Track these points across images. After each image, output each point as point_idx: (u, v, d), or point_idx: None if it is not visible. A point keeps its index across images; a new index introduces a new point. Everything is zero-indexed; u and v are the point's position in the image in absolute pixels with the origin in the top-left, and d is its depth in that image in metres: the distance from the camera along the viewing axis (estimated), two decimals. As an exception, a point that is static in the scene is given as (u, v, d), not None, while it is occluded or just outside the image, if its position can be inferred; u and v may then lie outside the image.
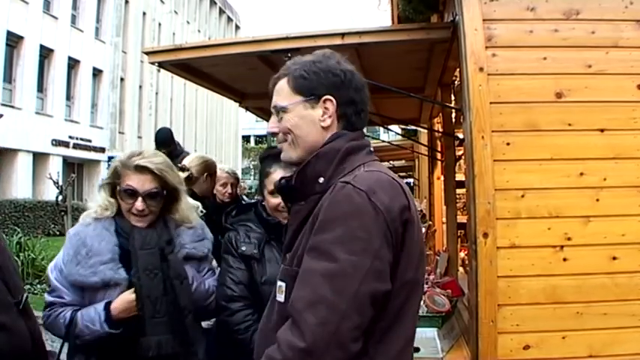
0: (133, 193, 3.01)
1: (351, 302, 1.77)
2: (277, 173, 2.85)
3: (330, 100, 2.04)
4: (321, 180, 1.99)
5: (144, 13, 39.51)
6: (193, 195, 4.25)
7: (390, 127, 11.58)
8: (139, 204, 3.00)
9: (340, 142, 2.03)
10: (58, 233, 20.44)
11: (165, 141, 6.85)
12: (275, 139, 2.18)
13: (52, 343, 3.26)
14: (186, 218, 3.21)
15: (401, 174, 24.08)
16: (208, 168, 4.93)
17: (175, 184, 3.14)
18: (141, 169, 3.00)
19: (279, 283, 2.01)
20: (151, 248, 3.01)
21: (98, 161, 33.06)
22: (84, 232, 3.02)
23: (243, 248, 3.15)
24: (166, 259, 3.02)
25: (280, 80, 2.11)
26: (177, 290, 2.99)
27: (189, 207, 3.32)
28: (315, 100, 2.05)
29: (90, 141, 32.75)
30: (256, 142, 71.25)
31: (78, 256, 2.94)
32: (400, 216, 1.89)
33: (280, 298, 1.97)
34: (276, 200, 2.98)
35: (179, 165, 4.74)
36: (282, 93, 2.09)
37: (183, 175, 4.45)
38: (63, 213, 11.15)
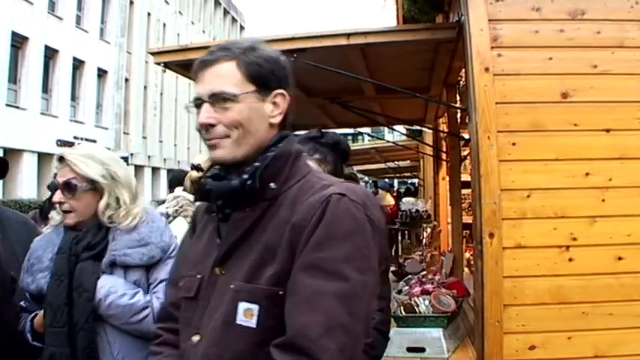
0: (54, 187, 2.82)
1: (363, 324, 1.67)
2: None
3: (282, 94, 1.85)
4: (273, 185, 1.78)
5: (148, 14, 39.56)
6: None
7: (395, 127, 11.61)
8: (56, 196, 2.78)
9: (290, 144, 1.86)
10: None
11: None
12: (206, 134, 1.84)
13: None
14: (120, 218, 2.78)
15: (406, 174, 24.19)
16: None
17: (95, 176, 2.76)
18: (61, 160, 2.79)
19: (245, 305, 1.70)
20: (63, 252, 2.76)
21: (103, 162, 33.01)
22: (37, 241, 2.89)
23: None
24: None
25: (222, 63, 1.80)
26: (74, 301, 2.67)
27: (129, 206, 2.83)
28: (267, 92, 1.82)
29: (95, 141, 32.68)
30: (261, 143, 71.26)
31: (27, 264, 2.82)
32: (383, 230, 1.85)
33: (250, 322, 1.69)
34: None
35: (192, 163, 4.73)
36: (229, 79, 1.79)
37: (196, 174, 4.43)
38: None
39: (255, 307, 1.68)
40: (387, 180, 23.47)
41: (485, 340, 3.44)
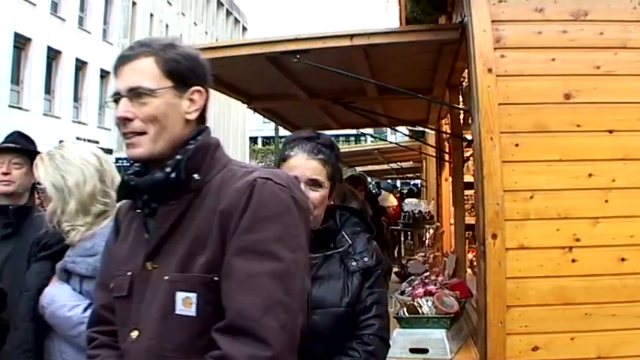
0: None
1: (299, 301, 1.70)
2: (298, 158, 2.44)
3: (200, 91, 1.86)
4: (197, 176, 1.79)
5: (151, 15, 39.61)
6: None
7: (398, 128, 11.60)
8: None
9: (208, 136, 1.87)
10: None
11: None
12: (123, 128, 1.81)
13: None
14: (63, 228, 2.67)
15: (408, 175, 24.18)
16: None
17: (46, 183, 2.68)
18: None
19: (183, 294, 1.70)
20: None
21: (106, 162, 33.09)
22: None
23: None
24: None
25: (141, 58, 1.80)
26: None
27: (74, 217, 2.67)
28: (184, 89, 1.83)
29: (97, 142, 32.71)
30: (263, 144, 71.34)
31: None
32: (310, 210, 1.97)
33: (189, 312, 1.69)
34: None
35: None
36: (147, 74, 1.78)
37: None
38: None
39: (193, 295, 1.69)
40: (389, 181, 23.44)
41: (488, 341, 3.44)
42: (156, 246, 1.80)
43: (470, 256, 6.17)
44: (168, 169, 1.76)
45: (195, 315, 1.68)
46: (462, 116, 6.35)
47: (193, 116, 1.85)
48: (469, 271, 5.91)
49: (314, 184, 2.40)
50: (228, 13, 56.60)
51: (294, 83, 5.88)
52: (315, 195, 2.40)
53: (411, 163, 18.92)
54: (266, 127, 60.02)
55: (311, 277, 2.02)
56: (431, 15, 5.10)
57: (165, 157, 1.79)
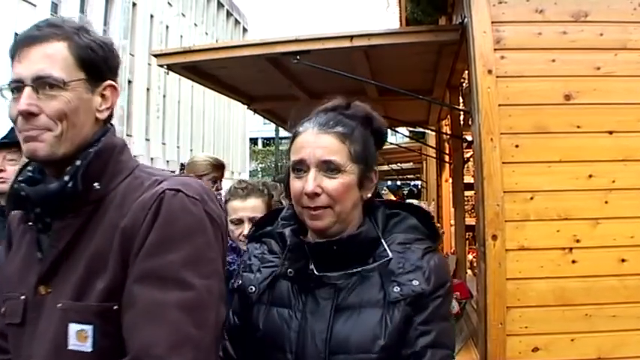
0: None
1: (212, 334, 1.48)
2: (307, 134, 1.79)
3: (113, 87, 1.63)
4: (98, 185, 1.53)
5: (151, 16, 39.59)
6: None
7: (398, 129, 11.58)
8: None
9: (112, 137, 1.61)
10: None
11: None
12: (24, 124, 1.51)
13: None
14: None
15: (409, 176, 24.17)
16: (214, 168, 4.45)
17: None
18: None
19: (77, 326, 1.45)
20: None
21: (106, 163, 33.15)
22: None
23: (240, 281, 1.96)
24: None
25: (52, 42, 1.52)
26: None
27: None
28: (97, 83, 1.59)
29: (98, 143, 32.81)
30: (264, 145, 71.29)
31: None
32: (226, 226, 1.67)
33: (84, 346, 1.44)
34: (302, 184, 1.76)
35: (182, 162, 4.60)
36: (59, 61, 1.51)
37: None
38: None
39: (88, 328, 1.45)
40: (389, 182, 23.44)
41: (489, 342, 3.44)
42: (50, 267, 1.53)
43: (470, 257, 6.18)
44: (66, 178, 1.49)
45: (92, 350, 1.44)
46: (462, 117, 6.36)
47: (104, 115, 1.61)
48: (469, 272, 5.92)
49: (328, 168, 1.73)
50: (229, 15, 56.60)
51: (295, 84, 5.89)
52: (331, 184, 1.72)
53: (412, 164, 18.92)
54: (266, 129, 60.03)
55: (334, 308, 1.71)
56: (431, 16, 5.12)
57: (66, 160, 1.52)
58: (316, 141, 1.76)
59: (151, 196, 1.49)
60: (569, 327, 3.43)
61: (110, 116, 1.64)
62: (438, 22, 5.52)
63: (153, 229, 1.44)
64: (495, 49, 3.58)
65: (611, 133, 3.52)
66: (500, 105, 3.52)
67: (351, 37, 4.40)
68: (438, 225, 8.94)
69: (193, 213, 1.49)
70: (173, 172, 1.95)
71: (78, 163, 1.51)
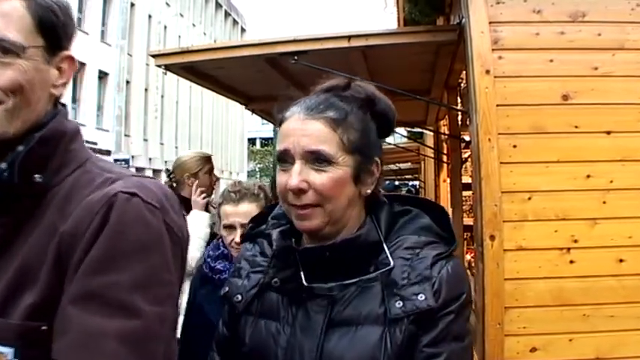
0: None
1: None
2: (293, 120, 1.55)
3: (71, 59, 1.43)
4: (39, 178, 1.26)
5: (149, 16, 39.59)
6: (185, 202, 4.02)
7: (396, 129, 11.59)
8: None
9: (61, 121, 1.34)
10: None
11: None
12: None
13: None
14: None
15: (407, 177, 24.18)
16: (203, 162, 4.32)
17: None
18: None
19: None
20: None
21: (104, 164, 33.17)
22: None
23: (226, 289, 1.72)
24: None
25: None
26: None
27: None
28: (55, 52, 1.36)
29: (95, 144, 32.80)
30: (262, 145, 71.26)
31: None
32: (187, 241, 1.36)
33: None
34: (287, 178, 1.51)
35: (167, 168, 4.54)
36: (15, 21, 1.24)
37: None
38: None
39: (8, 351, 1.16)
40: (387, 182, 23.42)
41: (487, 343, 3.44)
42: None
43: (468, 257, 6.18)
44: (2, 165, 1.22)
45: None
46: (460, 117, 6.37)
47: (60, 91, 1.37)
48: (467, 272, 5.91)
49: (316, 159, 1.48)
50: (227, 15, 56.62)
51: (293, 84, 5.87)
52: (319, 179, 1.47)
53: (409, 164, 18.91)
54: (264, 129, 60.16)
55: (326, 322, 1.49)
56: (429, 16, 5.11)
57: (12, 144, 1.24)
58: (302, 128, 1.50)
59: (100, 198, 1.21)
60: (568, 327, 3.43)
61: (61, 95, 1.39)
62: (435, 22, 5.52)
63: (98, 239, 1.16)
64: (493, 50, 3.58)
65: (609, 133, 3.52)
66: (497, 105, 3.52)
67: (349, 38, 4.40)
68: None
69: (150, 224, 1.22)
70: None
71: (20, 148, 1.24)
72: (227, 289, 1.67)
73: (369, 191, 1.58)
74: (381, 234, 1.57)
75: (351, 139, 1.51)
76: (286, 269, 1.58)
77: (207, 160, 4.32)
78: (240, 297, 1.62)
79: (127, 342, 1.12)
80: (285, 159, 1.52)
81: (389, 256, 1.53)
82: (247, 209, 2.98)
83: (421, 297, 1.45)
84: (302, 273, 1.55)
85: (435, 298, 1.45)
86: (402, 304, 1.45)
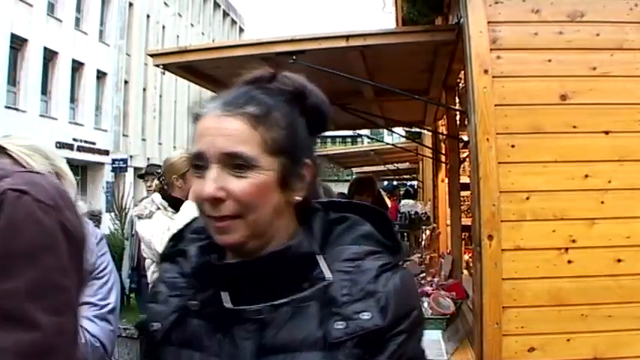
0: None
1: None
2: (208, 119, 1.32)
3: None
4: None
5: (148, 16, 39.55)
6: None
7: (394, 129, 11.60)
8: None
9: None
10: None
11: None
12: None
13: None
14: None
15: (405, 176, 24.20)
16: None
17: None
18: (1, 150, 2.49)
19: None
20: None
21: (102, 164, 33.15)
22: None
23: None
24: None
25: None
26: None
27: None
28: None
29: (94, 143, 32.79)
30: (260, 145, 71.26)
31: None
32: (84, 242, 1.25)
33: None
34: (203, 186, 1.28)
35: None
36: None
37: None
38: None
39: None
40: (385, 183, 23.44)
41: (485, 342, 3.44)
42: None
43: (466, 257, 6.17)
44: None
45: None
46: (458, 117, 6.36)
47: None
48: (465, 272, 5.91)
49: (234, 163, 1.27)
50: (225, 15, 56.57)
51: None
52: (238, 186, 1.26)
53: (408, 164, 18.92)
54: (263, 129, 59.93)
55: (256, 351, 1.28)
56: (427, 16, 5.11)
57: None
58: (218, 127, 1.29)
59: None
60: (565, 327, 3.43)
61: None
62: (434, 22, 5.51)
63: None
64: (491, 49, 3.57)
65: (607, 133, 3.52)
66: (496, 105, 3.52)
67: (347, 37, 4.40)
68: (434, 225, 8.95)
69: (43, 224, 1.12)
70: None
71: None
72: (145, 317, 1.43)
73: (299, 198, 1.35)
74: (315, 245, 1.35)
75: (275, 139, 1.29)
76: (206, 290, 1.35)
77: None
78: (157, 325, 1.38)
79: (25, 356, 1.04)
80: (199, 164, 1.30)
81: (325, 269, 1.31)
82: None
83: (365, 315, 1.25)
84: (225, 294, 1.32)
85: (383, 316, 1.26)
86: (343, 324, 1.25)
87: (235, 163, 1.26)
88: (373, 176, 9.40)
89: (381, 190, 16.04)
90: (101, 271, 2.46)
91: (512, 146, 3.51)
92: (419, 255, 8.33)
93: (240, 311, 1.29)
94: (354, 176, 17.44)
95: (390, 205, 13.67)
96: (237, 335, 1.29)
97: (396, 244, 1.44)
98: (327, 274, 1.30)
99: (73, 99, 31.74)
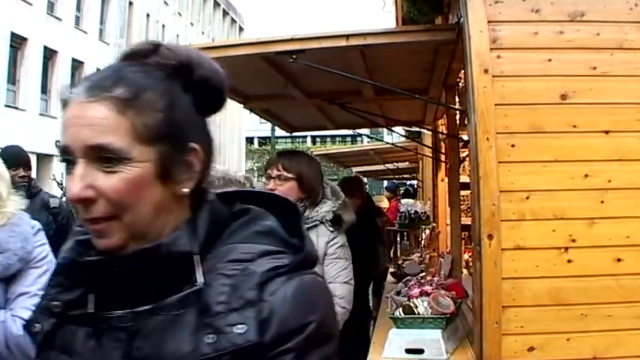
0: None
1: None
2: (72, 106, 1.13)
3: None
4: None
5: (148, 15, 39.57)
6: None
7: (394, 128, 11.59)
8: None
9: None
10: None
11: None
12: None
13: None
14: None
15: (405, 176, 24.18)
16: None
17: None
18: None
19: None
20: None
21: (102, 162, 33.18)
22: None
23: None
24: None
25: None
26: None
27: (4, 202, 2.40)
28: None
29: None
30: (260, 144, 71.31)
31: None
32: None
33: None
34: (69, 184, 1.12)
35: None
36: None
37: None
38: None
39: None
40: (385, 182, 23.40)
41: (484, 342, 3.44)
42: None
43: (466, 256, 6.17)
44: None
45: None
46: (458, 117, 6.36)
47: None
48: (465, 271, 5.91)
49: (103, 157, 1.09)
50: (225, 14, 56.59)
51: (291, 83, 5.87)
52: (108, 183, 1.09)
53: (407, 163, 18.88)
54: (262, 128, 60.00)
55: (124, 358, 1.13)
56: (427, 15, 5.11)
57: None
58: (81, 115, 1.09)
59: None
60: (565, 327, 3.43)
61: None
62: (434, 21, 5.51)
63: None
64: (491, 49, 3.57)
65: (607, 132, 3.52)
66: (496, 104, 3.52)
67: (347, 37, 4.39)
68: (434, 224, 8.94)
69: None
70: None
71: None
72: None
73: (186, 190, 1.17)
74: (194, 243, 1.15)
75: (148, 124, 1.11)
76: (71, 290, 1.19)
77: None
78: (38, 327, 1.21)
79: None
80: (67, 159, 1.12)
81: (199, 272, 1.13)
82: None
83: (239, 329, 1.07)
84: (91, 296, 1.17)
85: (261, 331, 1.07)
86: (214, 338, 1.07)
87: (103, 157, 1.08)
88: (359, 176, 9.16)
89: (385, 189, 15.99)
90: (39, 260, 2.42)
91: (512, 146, 3.51)
92: (418, 254, 8.33)
93: (107, 317, 1.14)
94: (353, 175, 17.41)
95: (389, 205, 13.68)
96: (106, 344, 1.14)
97: (299, 242, 1.20)
98: (200, 278, 1.12)
99: (72, 98, 31.76)
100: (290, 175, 3.92)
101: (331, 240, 3.94)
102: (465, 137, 5.09)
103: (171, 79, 1.16)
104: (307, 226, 3.78)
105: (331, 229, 3.96)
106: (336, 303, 3.57)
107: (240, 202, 1.28)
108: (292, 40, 4.43)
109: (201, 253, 1.15)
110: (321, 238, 3.87)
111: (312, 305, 1.13)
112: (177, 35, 43.63)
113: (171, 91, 1.15)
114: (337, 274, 3.87)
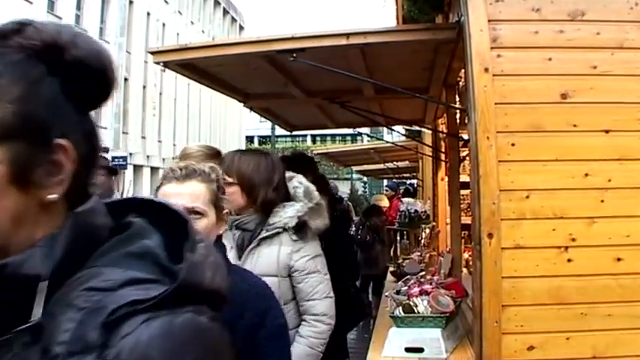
0: None
1: None
2: None
3: None
4: None
5: (148, 14, 39.56)
6: None
7: (394, 127, 11.59)
8: None
9: None
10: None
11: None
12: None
13: None
14: None
15: (405, 175, 24.19)
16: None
17: None
18: None
19: None
20: None
21: (102, 161, 33.17)
22: None
23: None
24: None
25: None
26: None
27: None
28: None
29: (94, 141, 32.75)
30: (260, 143, 71.29)
31: None
32: None
33: None
34: None
35: None
36: None
37: None
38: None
39: None
40: (385, 182, 23.39)
41: (484, 341, 3.44)
42: None
43: (466, 255, 6.17)
44: None
45: None
46: (458, 116, 6.36)
47: None
48: (465, 270, 5.91)
49: None
50: (225, 12, 56.59)
51: (291, 82, 5.87)
52: None
53: (407, 162, 18.88)
54: (263, 127, 59.96)
55: None
56: (427, 14, 5.10)
57: None
58: None
59: None
60: (565, 326, 3.43)
61: None
62: (434, 20, 5.51)
63: None
64: (492, 48, 3.57)
65: (607, 132, 3.52)
66: (496, 103, 3.52)
67: (348, 35, 4.38)
68: (434, 224, 8.94)
69: None
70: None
71: None
72: None
73: (54, 196, 0.93)
74: (46, 265, 0.89)
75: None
76: None
77: (210, 156, 4.03)
78: None
79: None
80: None
81: (38, 303, 0.87)
82: (194, 190, 2.37)
83: None
84: None
85: None
86: None
87: None
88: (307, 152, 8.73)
89: (386, 188, 15.92)
90: None
91: (513, 145, 3.51)
92: (418, 253, 8.34)
93: None
94: (353, 175, 17.42)
95: (390, 204, 13.66)
96: None
97: (184, 269, 0.91)
98: (37, 312, 0.87)
99: (72, 96, 31.77)
100: (230, 180, 3.36)
101: (297, 251, 3.47)
102: (465, 136, 5.09)
103: (32, 64, 0.93)
104: (268, 234, 3.42)
105: (295, 237, 3.48)
106: (319, 320, 3.48)
107: (138, 213, 1.03)
108: (292, 38, 4.43)
109: (57, 278, 0.89)
110: (283, 248, 3.45)
111: (180, 353, 0.84)
112: (178, 34, 43.64)
113: (29, 77, 0.92)
114: (313, 292, 3.49)
